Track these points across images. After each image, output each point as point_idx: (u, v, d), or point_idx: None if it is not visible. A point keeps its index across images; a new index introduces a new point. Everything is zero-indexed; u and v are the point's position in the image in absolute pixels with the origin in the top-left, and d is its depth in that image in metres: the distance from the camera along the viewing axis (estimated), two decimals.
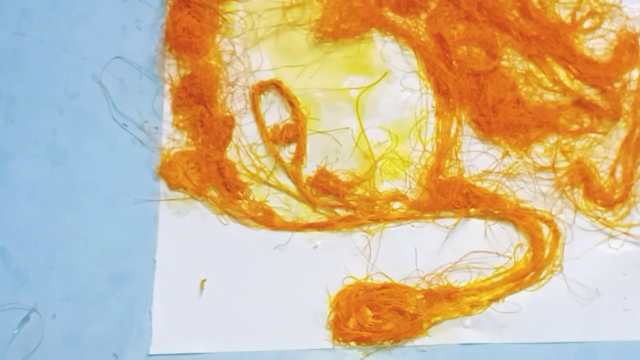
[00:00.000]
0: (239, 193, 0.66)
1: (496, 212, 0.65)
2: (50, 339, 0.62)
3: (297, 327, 0.63)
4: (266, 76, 0.69)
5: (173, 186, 0.65)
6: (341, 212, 0.65)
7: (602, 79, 0.69)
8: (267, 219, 0.65)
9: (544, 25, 0.70)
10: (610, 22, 0.71)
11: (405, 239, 0.65)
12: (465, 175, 0.66)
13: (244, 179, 0.66)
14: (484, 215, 0.66)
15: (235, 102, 0.68)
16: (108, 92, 0.68)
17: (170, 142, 0.67)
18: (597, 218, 0.66)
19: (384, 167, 0.67)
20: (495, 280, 0.64)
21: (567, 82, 0.70)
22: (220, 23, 0.70)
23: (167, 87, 0.68)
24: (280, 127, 0.68)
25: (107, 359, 0.62)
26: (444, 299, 0.63)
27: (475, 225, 0.65)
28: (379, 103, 0.69)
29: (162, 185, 0.65)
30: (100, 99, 0.67)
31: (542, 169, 0.67)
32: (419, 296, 0.63)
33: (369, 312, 0.63)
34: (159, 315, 0.62)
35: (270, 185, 0.66)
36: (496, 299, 0.63)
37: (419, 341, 0.62)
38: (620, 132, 0.68)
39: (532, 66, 0.70)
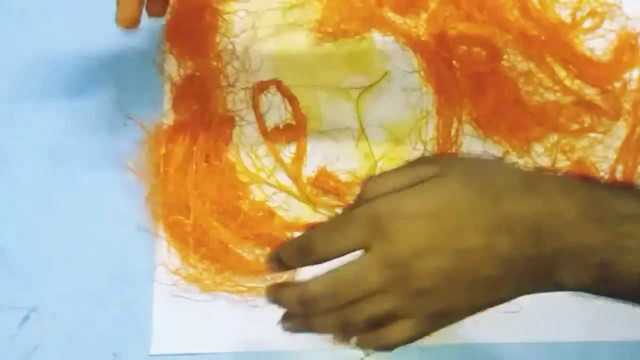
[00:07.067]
0: (239, 193, 0.65)
1: None
2: (50, 339, 0.61)
3: None
4: (266, 76, 0.69)
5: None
6: None
7: (602, 79, 0.69)
8: (267, 219, 0.64)
9: (544, 25, 0.70)
10: (610, 22, 0.72)
11: None
12: None
13: (244, 179, 0.66)
14: None
15: (235, 102, 0.68)
16: (109, 92, 0.68)
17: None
18: None
19: (384, 167, 0.67)
20: None
21: (567, 82, 0.70)
22: (220, 23, 0.70)
23: (168, 87, 0.68)
24: (281, 127, 0.68)
25: (107, 359, 0.61)
26: None
27: None
28: (379, 103, 0.69)
29: None
30: (101, 98, 0.67)
31: (542, 168, 0.67)
32: None
33: None
34: (159, 315, 0.62)
35: (270, 185, 0.66)
36: None
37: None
38: (620, 131, 0.69)
39: (532, 66, 0.70)
